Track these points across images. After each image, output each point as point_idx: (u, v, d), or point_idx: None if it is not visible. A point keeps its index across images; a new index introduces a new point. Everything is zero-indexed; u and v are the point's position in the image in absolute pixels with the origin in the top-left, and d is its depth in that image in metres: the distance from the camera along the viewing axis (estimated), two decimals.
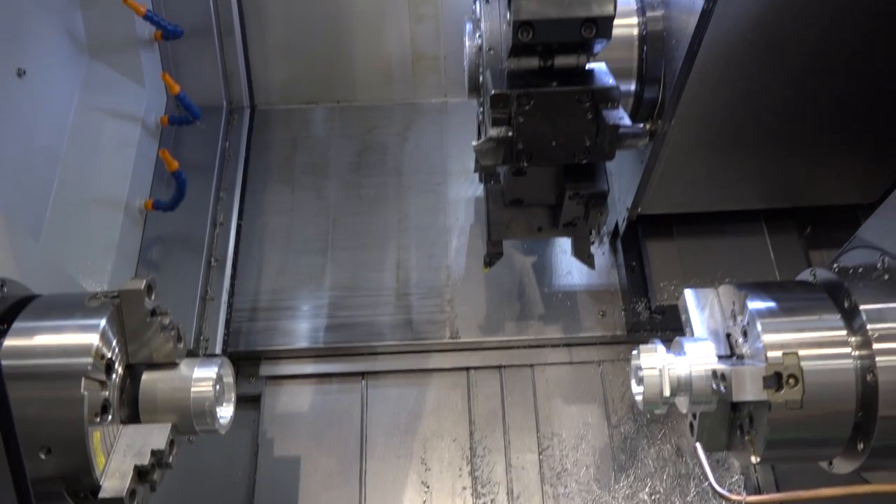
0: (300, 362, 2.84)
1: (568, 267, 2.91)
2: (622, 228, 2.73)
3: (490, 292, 2.89)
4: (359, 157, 3.26)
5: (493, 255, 2.31)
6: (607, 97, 1.75)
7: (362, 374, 2.82)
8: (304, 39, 3.37)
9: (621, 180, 2.71)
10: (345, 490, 2.63)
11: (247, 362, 2.83)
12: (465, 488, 2.62)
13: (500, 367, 2.81)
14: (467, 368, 2.82)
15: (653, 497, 2.56)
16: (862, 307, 1.62)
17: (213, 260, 2.96)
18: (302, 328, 2.86)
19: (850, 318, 1.64)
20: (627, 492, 2.57)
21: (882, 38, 1.98)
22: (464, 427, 2.74)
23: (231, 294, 2.91)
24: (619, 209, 2.76)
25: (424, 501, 2.58)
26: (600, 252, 2.93)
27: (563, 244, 2.93)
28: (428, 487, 2.63)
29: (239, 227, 3.07)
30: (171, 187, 2.84)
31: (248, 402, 2.83)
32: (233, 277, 2.96)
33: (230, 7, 3.17)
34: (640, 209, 2.50)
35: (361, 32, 3.37)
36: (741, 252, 2.70)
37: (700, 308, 1.88)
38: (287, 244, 3.04)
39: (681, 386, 1.73)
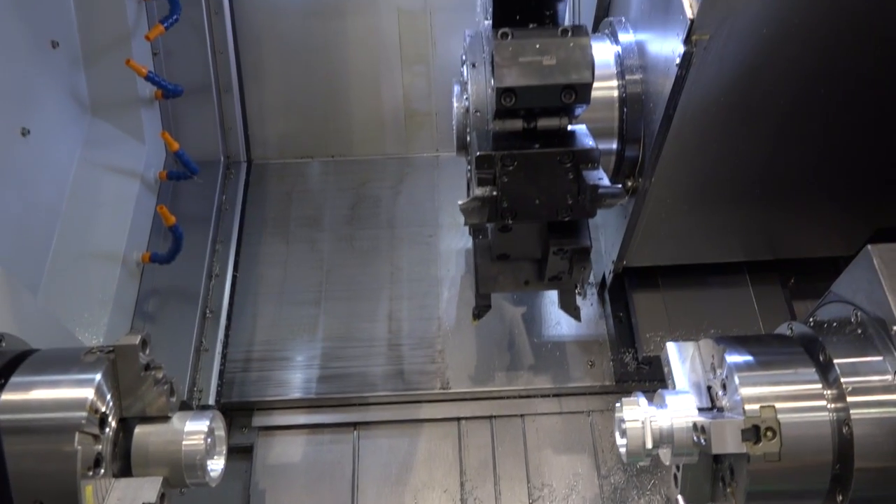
0: (293, 413, 2.86)
1: (557, 318, 2.96)
2: (609, 280, 2.79)
3: (480, 343, 2.93)
4: (352, 210, 3.33)
5: (481, 308, 2.36)
6: (587, 158, 1.82)
7: (354, 425, 2.84)
8: (300, 96, 3.47)
9: (607, 233, 2.78)
10: None
11: (239, 413, 2.85)
12: None
13: (490, 417, 2.84)
14: (458, 419, 2.84)
15: None
16: (836, 361, 1.67)
17: (208, 311, 3.00)
18: (295, 379, 2.88)
19: (825, 372, 1.69)
20: None
21: (855, 98, 2.06)
22: (454, 478, 2.75)
23: (225, 345, 2.95)
24: (605, 261, 2.82)
25: None
26: (588, 303, 2.98)
27: (552, 295, 2.98)
28: None
29: (234, 278, 3.12)
30: (169, 240, 2.90)
31: (240, 453, 2.84)
32: (227, 328, 3.00)
33: (229, 65, 3.29)
34: (625, 262, 2.56)
35: (356, 89, 3.48)
36: (725, 303, 2.76)
37: (682, 361, 1.93)
38: (281, 295, 3.09)
39: (663, 438, 1.76)
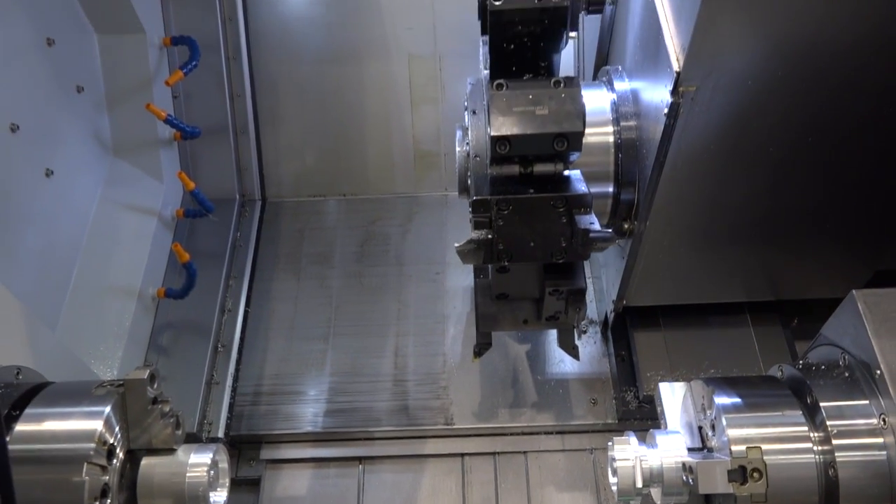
0: (300, 447, 2.91)
1: (560, 355, 2.99)
2: (611, 319, 2.83)
3: (484, 379, 2.97)
4: (362, 248, 3.41)
5: (482, 346, 2.41)
6: (580, 203, 1.88)
7: (360, 459, 2.88)
8: (314, 137, 3.59)
9: (608, 273, 2.83)
10: None
11: (248, 446, 2.90)
12: None
13: (494, 453, 2.86)
14: (462, 455, 2.87)
15: None
16: (822, 404, 1.69)
17: (219, 345, 3.08)
18: (302, 413, 2.94)
19: (812, 414, 1.71)
20: None
21: (846, 145, 2.11)
22: None
23: (235, 378, 3.01)
24: (607, 300, 2.86)
25: None
26: (591, 342, 3.02)
27: (554, 332, 3.02)
28: None
29: (246, 313, 3.20)
30: (183, 276, 3.00)
31: (248, 486, 2.89)
32: (238, 362, 3.06)
33: (245, 108, 3.41)
34: (625, 301, 2.60)
35: (368, 131, 3.58)
36: (726, 343, 2.78)
37: (674, 401, 1.96)
38: (291, 331, 3.16)
39: (653, 477, 1.79)
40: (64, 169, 2.70)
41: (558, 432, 2.87)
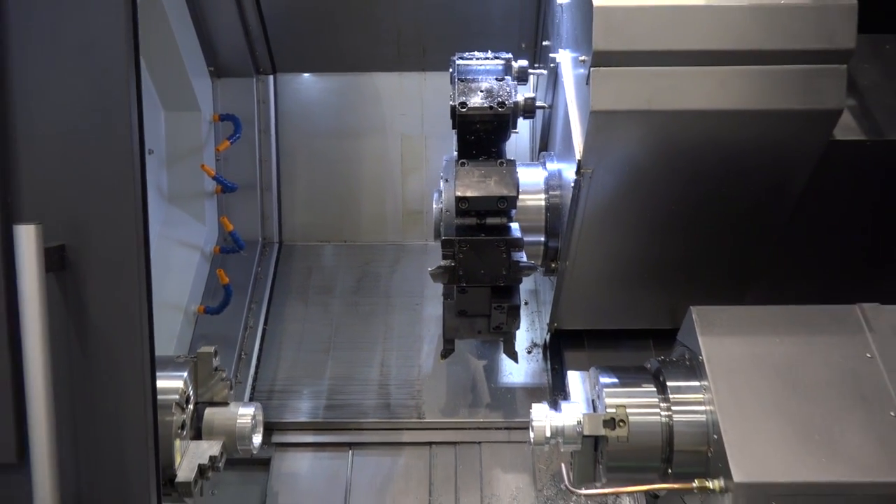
0: (303, 434, 3.56)
1: (509, 369, 3.73)
2: (548, 341, 3.60)
3: (449, 385, 3.68)
4: (358, 283, 4.15)
5: (447, 350, 3.15)
6: (515, 244, 2.67)
7: (349, 445, 3.53)
8: (322, 195, 4.29)
9: (548, 304, 3.60)
10: None
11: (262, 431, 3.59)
12: None
13: (455, 443, 3.50)
14: (430, 443, 3.51)
15: None
16: (668, 383, 2.46)
17: (242, 353, 3.78)
18: (306, 407, 3.61)
19: (662, 389, 2.47)
20: None
21: (711, 205, 2.84)
22: (425, 488, 3.43)
23: (255, 379, 3.69)
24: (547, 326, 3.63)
25: None
26: (535, 359, 3.78)
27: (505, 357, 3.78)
28: None
29: (264, 330, 3.89)
30: (218, 297, 3.74)
31: (261, 465, 3.54)
32: (257, 367, 3.74)
33: (271, 170, 4.18)
34: (556, 325, 3.37)
35: (366, 192, 4.29)
36: (635, 361, 3.53)
37: (578, 382, 2.71)
38: (299, 344, 3.86)
39: (557, 431, 2.53)
40: None
41: (506, 428, 3.52)
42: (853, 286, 2.74)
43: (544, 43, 3.32)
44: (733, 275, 3.12)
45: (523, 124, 3.37)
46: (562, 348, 3.60)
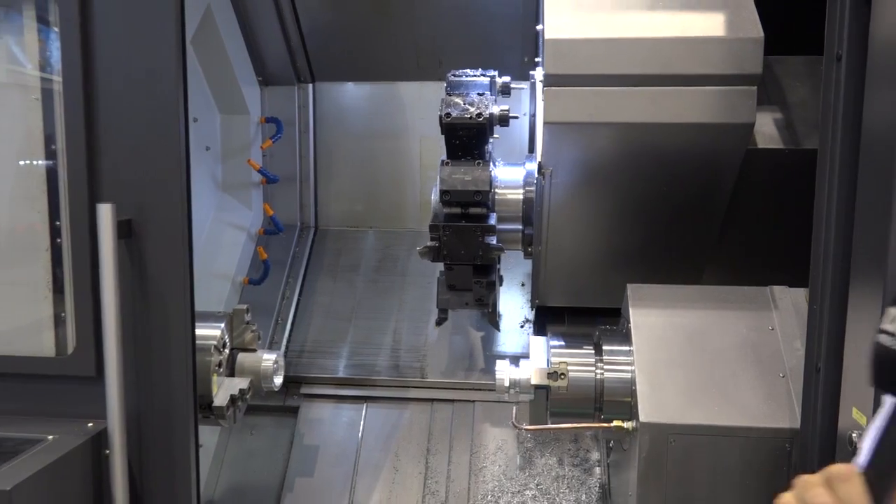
0: (326, 387, 4.16)
1: (502, 340, 4.26)
2: (532, 316, 4.10)
3: (451, 352, 4.23)
4: (379, 263, 4.72)
5: (440, 319, 3.70)
6: (489, 230, 3.19)
7: (365, 398, 4.15)
8: (353, 187, 4.84)
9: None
10: (344, 468, 3.94)
11: (293, 384, 4.15)
12: (420, 473, 3.89)
13: (452, 400, 4.06)
14: (431, 400, 4.08)
15: (538, 487, 3.77)
16: (604, 346, 2.95)
17: (279, 319, 4.41)
18: (330, 365, 4.20)
19: (599, 352, 2.97)
20: (523, 482, 3.79)
21: (656, 196, 3.30)
22: (425, 438, 4.01)
23: (288, 341, 4.31)
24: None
25: (396, 470, 3.86)
26: (525, 333, 4.29)
27: (501, 326, 4.30)
28: (398, 470, 3.91)
29: (298, 301, 4.51)
30: (260, 271, 4.39)
31: (290, 412, 4.17)
32: (290, 331, 4.36)
33: (308, 165, 4.75)
34: (537, 301, 3.88)
35: (390, 184, 4.78)
36: None
37: (539, 346, 3.22)
38: (327, 313, 4.47)
39: (514, 382, 3.05)
40: (195, 198, 4.13)
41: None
42: (781, 270, 3.12)
43: (536, 59, 3.82)
44: (687, 262, 3.55)
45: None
46: (546, 323, 4.10)
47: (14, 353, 2.57)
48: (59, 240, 2.51)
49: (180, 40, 2.44)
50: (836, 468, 0.91)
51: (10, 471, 2.12)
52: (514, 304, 4.39)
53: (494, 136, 3.31)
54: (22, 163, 2.64)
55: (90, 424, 2.43)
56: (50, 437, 2.35)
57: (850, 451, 2.04)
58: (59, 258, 2.53)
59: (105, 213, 2.32)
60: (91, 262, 2.44)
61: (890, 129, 1.87)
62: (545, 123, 2.88)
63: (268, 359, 3.14)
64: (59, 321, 2.56)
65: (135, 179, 2.45)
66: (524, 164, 3.62)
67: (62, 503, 2.32)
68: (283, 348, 4.27)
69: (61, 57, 2.38)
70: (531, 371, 2.95)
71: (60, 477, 2.28)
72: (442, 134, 3.23)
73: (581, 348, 2.96)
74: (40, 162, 2.57)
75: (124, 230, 2.41)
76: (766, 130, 3.03)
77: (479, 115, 3.09)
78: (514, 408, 3.07)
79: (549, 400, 2.91)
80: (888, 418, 0.94)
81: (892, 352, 0.95)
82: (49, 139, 2.52)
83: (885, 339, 0.96)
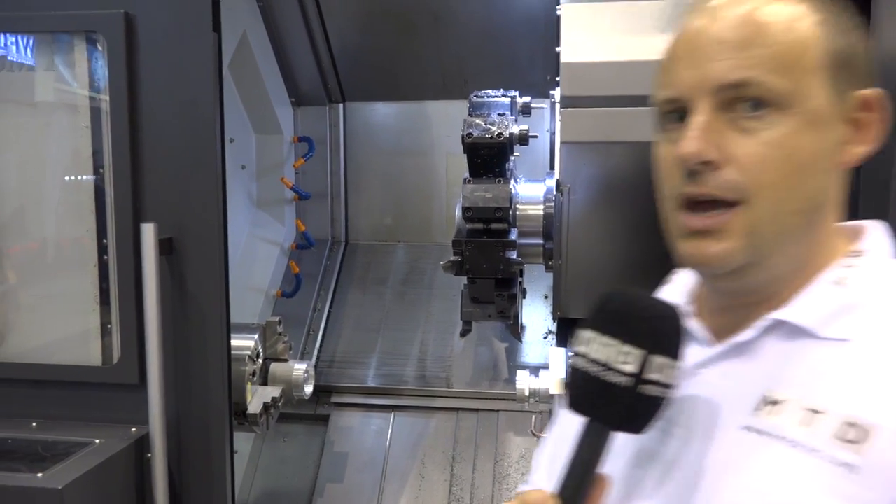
0: (356, 396, 4.28)
1: (526, 352, 4.36)
2: (555, 328, 4.19)
3: (476, 362, 4.34)
4: (406, 276, 4.85)
5: (465, 331, 3.80)
6: (510, 245, 3.30)
7: (392, 408, 4.27)
8: (382, 203, 5.00)
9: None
10: (372, 474, 4.06)
11: (324, 393, 4.28)
12: (445, 480, 3.99)
13: (477, 410, 4.16)
14: (457, 409, 4.20)
15: None
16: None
17: (311, 330, 4.56)
18: (359, 375, 4.32)
19: None
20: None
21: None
22: (450, 445, 4.11)
23: (319, 351, 4.44)
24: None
25: (422, 477, 3.97)
26: (549, 343, 4.38)
27: (524, 337, 4.39)
28: (424, 477, 4.02)
29: (329, 312, 4.66)
30: (292, 284, 4.56)
31: (321, 420, 4.31)
32: (322, 342, 4.52)
33: (339, 182, 4.92)
34: (559, 313, 3.96)
35: (418, 200, 4.90)
36: None
37: (557, 358, 3.31)
38: (357, 324, 4.60)
39: (533, 392, 3.14)
40: (232, 215, 4.32)
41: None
42: None
43: (557, 78, 3.92)
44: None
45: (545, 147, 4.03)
46: (568, 335, 4.18)
47: (64, 362, 2.75)
48: (105, 256, 2.69)
49: (217, 68, 2.60)
50: (532, 495, 0.93)
51: (61, 472, 2.28)
52: (537, 315, 4.48)
53: (515, 154, 3.42)
54: (72, 184, 2.84)
55: (133, 429, 2.59)
56: (97, 441, 2.51)
57: None
58: (106, 273, 2.70)
59: (148, 233, 2.49)
60: (135, 278, 2.60)
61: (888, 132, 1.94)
62: (562, 143, 2.98)
63: (298, 368, 3.28)
64: (105, 332, 2.73)
65: (175, 200, 2.62)
66: (545, 180, 3.72)
67: (108, 502, 2.48)
68: (314, 359, 4.41)
69: (109, 87, 2.56)
70: (550, 381, 3.03)
71: (106, 478, 2.44)
72: (464, 153, 3.35)
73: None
74: (89, 183, 2.76)
75: (166, 248, 2.57)
76: None
77: (500, 134, 3.20)
78: (534, 416, 3.15)
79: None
80: (580, 437, 0.98)
81: (585, 374, 0.98)
82: (97, 163, 2.71)
83: (578, 362, 1.00)
